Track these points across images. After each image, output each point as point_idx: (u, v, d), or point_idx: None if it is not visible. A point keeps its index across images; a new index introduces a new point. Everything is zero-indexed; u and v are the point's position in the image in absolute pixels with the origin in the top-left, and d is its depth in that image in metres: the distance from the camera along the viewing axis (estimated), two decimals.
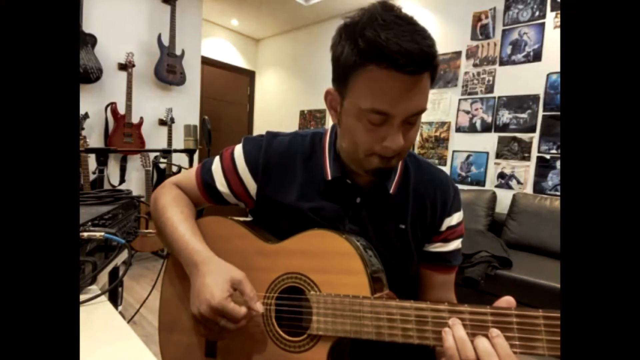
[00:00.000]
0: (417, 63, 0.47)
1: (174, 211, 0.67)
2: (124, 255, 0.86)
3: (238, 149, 0.70)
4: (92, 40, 2.63)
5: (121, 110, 2.81)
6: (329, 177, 0.64)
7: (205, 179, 0.71)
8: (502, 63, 2.77)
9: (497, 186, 2.79)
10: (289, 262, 0.61)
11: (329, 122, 3.79)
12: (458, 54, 3.00)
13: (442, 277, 0.70)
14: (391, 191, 0.64)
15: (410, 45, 0.47)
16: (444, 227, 0.67)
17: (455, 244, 0.69)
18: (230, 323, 0.55)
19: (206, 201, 0.73)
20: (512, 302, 0.45)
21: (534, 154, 2.61)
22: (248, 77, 4.77)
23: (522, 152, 2.66)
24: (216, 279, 0.56)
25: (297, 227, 0.62)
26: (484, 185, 2.85)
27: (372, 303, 0.52)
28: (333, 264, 0.57)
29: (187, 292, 0.61)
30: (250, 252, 0.65)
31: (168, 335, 0.70)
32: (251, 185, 0.68)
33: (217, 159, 0.71)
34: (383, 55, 0.47)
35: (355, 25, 0.51)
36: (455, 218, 0.68)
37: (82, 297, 0.55)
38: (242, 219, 0.72)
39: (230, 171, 0.69)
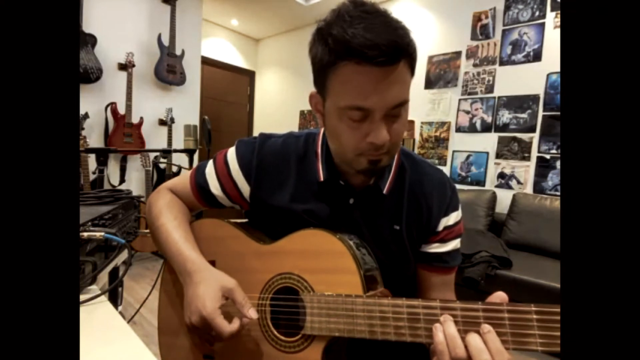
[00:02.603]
0: (386, 53, 0.47)
1: (168, 217, 0.67)
2: (124, 255, 0.86)
3: (231, 152, 0.70)
4: (92, 40, 2.63)
5: (121, 110, 2.81)
6: (322, 179, 0.64)
7: (199, 183, 0.70)
8: (502, 63, 2.77)
9: (497, 186, 2.79)
10: (283, 262, 0.60)
11: None
12: (458, 54, 3.00)
13: (441, 277, 0.69)
14: (385, 191, 0.63)
15: (377, 36, 0.47)
16: (440, 227, 0.66)
17: (453, 244, 0.68)
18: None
19: (201, 205, 0.72)
20: (505, 298, 0.45)
21: (534, 154, 2.61)
22: (248, 77, 4.76)
23: (522, 152, 2.66)
24: (208, 289, 0.56)
25: (291, 229, 0.62)
26: (484, 185, 2.85)
27: (365, 301, 0.51)
28: (326, 264, 0.57)
29: (183, 296, 0.61)
30: (244, 254, 0.64)
31: (167, 338, 0.70)
32: (245, 188, 0.68)
33: (210, 162, 0.71)
34: (351, 50, 0.47)
35: (325, 26, 0.51)
36: (453, 218, 0.67)
37: (82, 297, 0.54)
38: (237, 220, 0.71)
39: (223, 174, 0.69)
